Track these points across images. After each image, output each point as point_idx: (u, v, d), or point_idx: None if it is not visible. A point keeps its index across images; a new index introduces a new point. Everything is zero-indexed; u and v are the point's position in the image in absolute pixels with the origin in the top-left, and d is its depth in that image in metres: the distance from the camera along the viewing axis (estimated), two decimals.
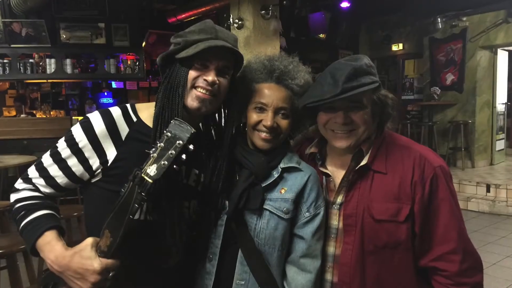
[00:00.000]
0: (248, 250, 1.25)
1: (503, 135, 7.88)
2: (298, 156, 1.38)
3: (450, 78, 7.47)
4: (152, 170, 1.01)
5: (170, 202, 1.17)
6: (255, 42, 4.44)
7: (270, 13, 4.40)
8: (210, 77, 1.18)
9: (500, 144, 7.73)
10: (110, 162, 1.17)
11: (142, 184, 1.01)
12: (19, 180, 1.23)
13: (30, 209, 1.16)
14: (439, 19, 7.19)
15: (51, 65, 6.40)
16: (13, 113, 7.47)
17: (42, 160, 1.21)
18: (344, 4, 7.12)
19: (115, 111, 1.21)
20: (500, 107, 7.70)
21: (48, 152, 1.21)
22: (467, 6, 7.03)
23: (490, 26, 6.92)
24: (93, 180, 1.20)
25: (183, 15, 6.71)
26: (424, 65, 7.97)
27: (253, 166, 1.27)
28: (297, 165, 1.31)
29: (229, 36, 1.23)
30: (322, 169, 1.39)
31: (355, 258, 1.26)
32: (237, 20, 4.42)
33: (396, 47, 8.59)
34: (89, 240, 1.08)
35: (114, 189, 1.10)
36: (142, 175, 1.01)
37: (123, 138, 1.18)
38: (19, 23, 6.22)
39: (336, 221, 1.32)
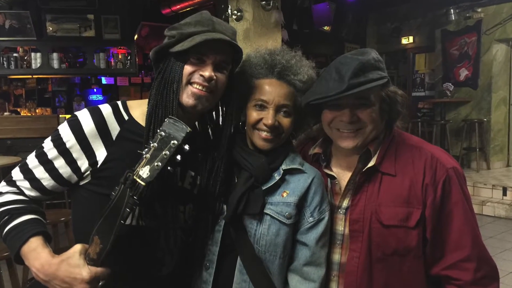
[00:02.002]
0: (248, 258, 1.26)
1: None
2: (301, 157, 1.38)
3: (463, 73, 7.47)
4: (144, 172, 1.01)
5: (164, 206, 1.17)
6: (255, 35, 4.44)
7: (271, 4, 4.40)
8: (207, 72, 1.18)
9: None
10: (99, 163, 1.17)
11: (134, 187, 1.01)
12: (2, 183, 1.23)
13: (14, 213, 1.16)
14: (452, 10, 7.18)
15: (36, 60, 6.40)
16: None
17: (27, 161, 1.21)
18: None
19: (105, 109, 1.21)
20: None
21: (34, 153, 1.21)
22: None
23: (507, 17, 6.92)
24: (82, 183, 1.20)
25: (178, 6, 6.71)
26: (436, 60, 7.97)
27: (252, 167, 1.27)
28: (300, 167, 1.31)
29: (227, 28, 1.23)
30: (326, 170, 1.39)
31: (362, 266, 1.26)
32: (235, 12, 4.42)
33: (406, 40, 8.59)
34: (77, 247, 1.08)
35: (104, 192, 1.10)
36: (134, 177, 1.01)
37: (114, 138, 1.18)
38: (2, 14, 6.22)
39: (341, 227, 1.32)
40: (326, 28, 8.03)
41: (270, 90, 1.29)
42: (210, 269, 1.28)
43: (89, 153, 1.17)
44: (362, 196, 1.29)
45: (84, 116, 1.18)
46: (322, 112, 1.34)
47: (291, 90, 1.31)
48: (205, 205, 1.29)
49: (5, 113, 6.77)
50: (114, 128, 1.19)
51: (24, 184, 1.19)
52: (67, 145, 1.16)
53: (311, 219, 1.27)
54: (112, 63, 6.84)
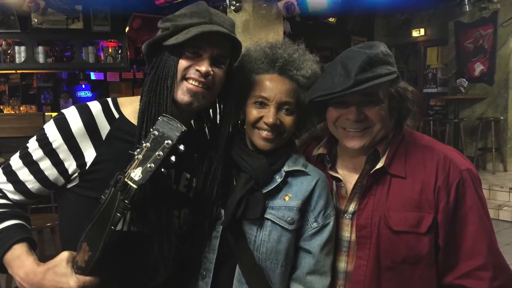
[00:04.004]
0: (247, 266, 1.26)
1: None
2: (305, 158, 1.38)
3: (479, 68, 7.47)
4: (136, 174, 1.01)
5: (157, 210, 1.17)
6: (255, 27, 4.44)
7: None
8: (204, 67, 1.18)
9: None
10: (88, 164, 1.17)
11: (125, 190, 1.01)
12: None
13: None
14: (466, 0, 7.18)
15: (20, 54, 6.39)
16: None
17: (11, 162, 1.21)
18: None
19: (94, 106, 1.21)
20: None
21: (17, 154, 1.21)
22: None
23: None
24: (69, 186, 1.20)
25: None
26: (449, 54, 7.97)
27: (252, 169, 1.27)
28: (303, 168, 1.31)
29: (225, 20, 1.23)
30: (332, 172, 1.39)
31: (369, 275, 1.26)
32: (234, 2, 4.42)
33: (417, 33, 8.59)
34: (64, 255, 1.08)
35: (93, 195, 1.11)
36: (125, 179, 1.01)
37: (104, 137, 1.19)
38: None
39: (348, 233, 1.32)
40: (331, 19, 8.03)
41: (271, 86, 1.29)
42: (206, 278, 1.28)
43: (77, 153, 1.17)
44: (369, 199, 1.29)
45: (71, 114, 1.18)
46: (327, 109, 1.34)
47: (294, 86, 1.31)
48: (202, 209, 1.29)
49: None
50: (104, 127, 1.19)
51: (7, 187, 1.20)
52: (54, 145, 1.16)
53: (315, 224, 1.27)
54: (102, 57, 6.84)
